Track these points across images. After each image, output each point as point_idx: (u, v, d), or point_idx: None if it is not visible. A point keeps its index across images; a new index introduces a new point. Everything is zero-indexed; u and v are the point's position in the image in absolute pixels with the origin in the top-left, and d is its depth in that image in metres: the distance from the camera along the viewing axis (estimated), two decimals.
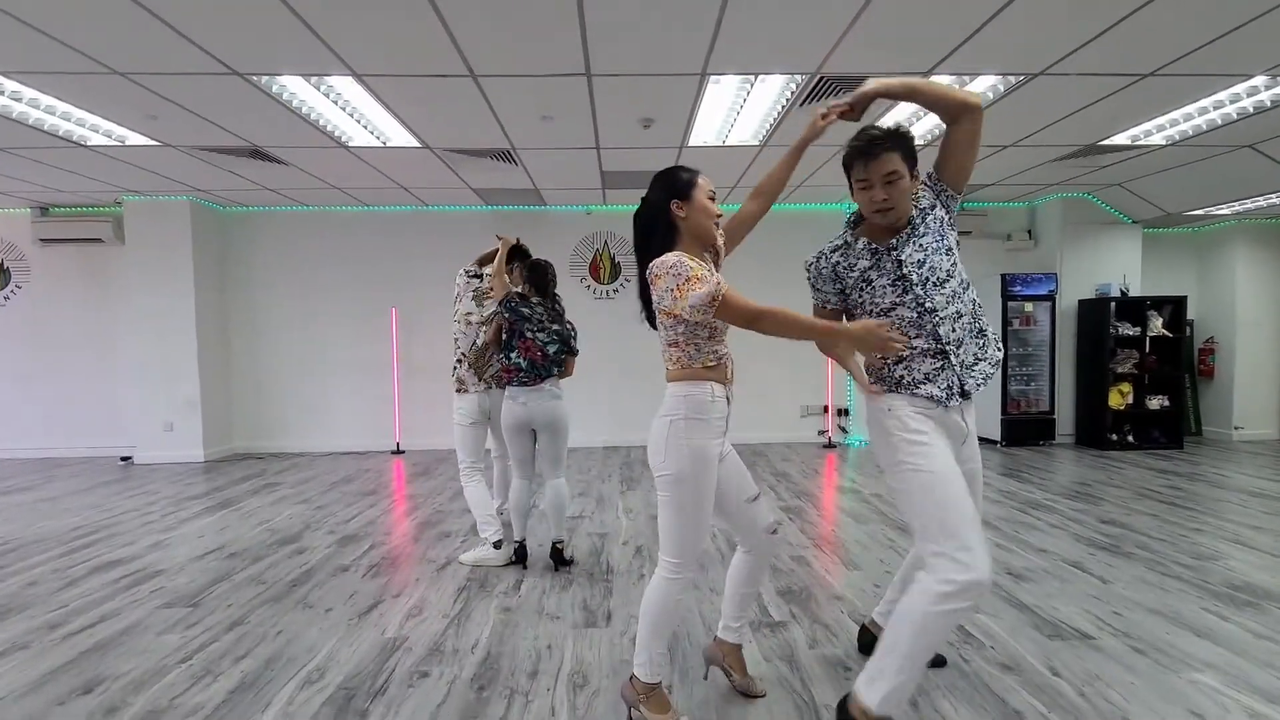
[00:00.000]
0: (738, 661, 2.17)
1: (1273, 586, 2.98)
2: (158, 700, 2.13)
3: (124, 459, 6.51)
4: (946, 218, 1.91)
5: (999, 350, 1.94)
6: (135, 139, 4.63)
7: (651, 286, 1.84)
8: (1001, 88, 3.90)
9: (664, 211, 1.87)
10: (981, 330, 1.91)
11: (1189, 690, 2.13)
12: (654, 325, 2.01)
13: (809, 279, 2.07)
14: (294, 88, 3.76)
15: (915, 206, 1.88)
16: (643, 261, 1.89)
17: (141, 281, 6.39)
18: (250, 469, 6.10)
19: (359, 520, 4.29)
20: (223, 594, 3.04)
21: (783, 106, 4.16)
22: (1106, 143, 5.01)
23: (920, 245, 1.85)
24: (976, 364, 1.88)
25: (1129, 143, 5.01)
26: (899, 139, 1.82)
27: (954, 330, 1.84)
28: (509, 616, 2.75)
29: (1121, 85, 3.86)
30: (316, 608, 2.87)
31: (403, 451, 6.88)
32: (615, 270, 7.13)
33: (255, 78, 3.59)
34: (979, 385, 1.88)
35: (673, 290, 1.76)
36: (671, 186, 1.88)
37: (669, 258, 1.79)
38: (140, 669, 2.34)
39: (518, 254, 3.52)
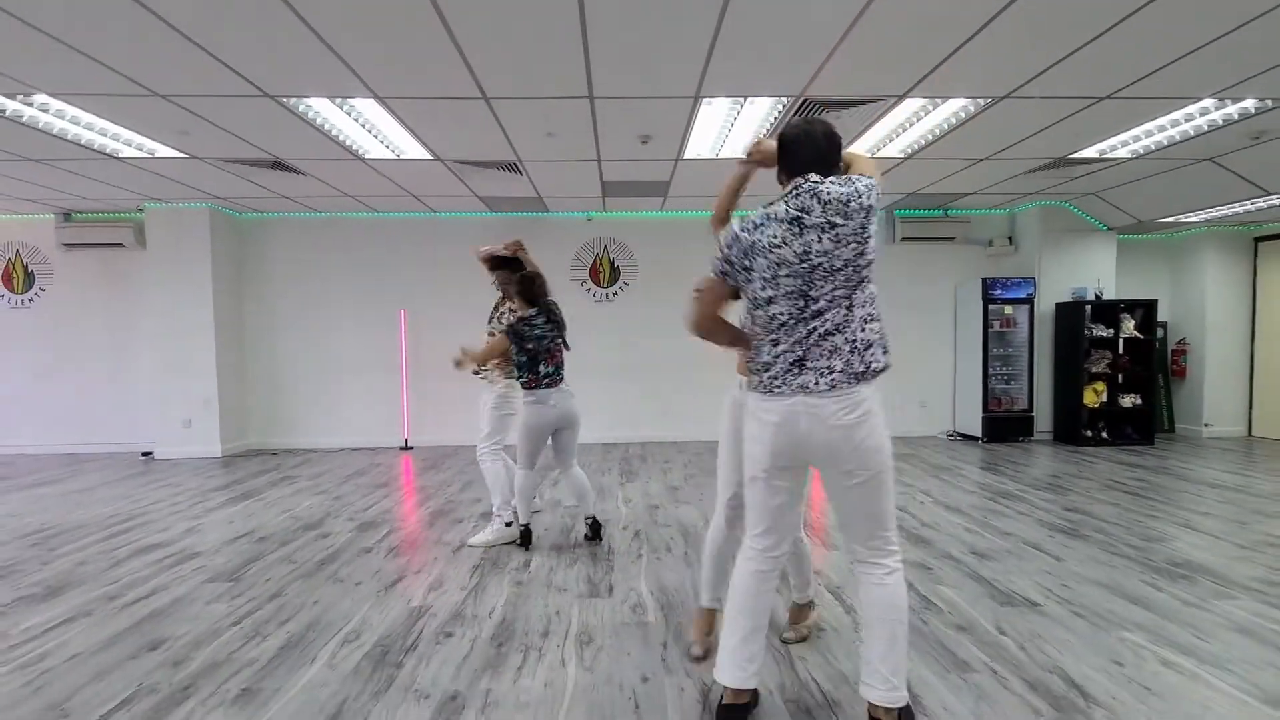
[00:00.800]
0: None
1: (1207, 562, 3.31)
2: (217, 654, 2.44)
3: (145, 454, 6.80)
4: None
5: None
6: (164, 151, 4.93)
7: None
8: (972, 108, 4.23)
9: None
10: None
11: (1116, 645, 2.46)
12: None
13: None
14: (319, 107, 4.07)
15: None
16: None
17: (161, 285, 6.69)
18: (266, 463, 6.40)
19: (376, 509, 4.59)
20: (259, 571, 3.35)
21: (772, 123, 4.48)
22: (1076, 156, 5.35)
23: None
24: None
25: (1097, 155, 5.35)
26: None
27: None
28: (521, 589, 3.06)
29: (1082, 106, 4.19)
30: (346, 582, 3.18)
31: (411, 447, 7.18)
32: (615, 274, 7.45)
33: (284, 99, 3.90)
34: None
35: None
36: None
37: None
38: (196, 631, 2.65)
39: (509, 263, 3.82)
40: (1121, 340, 6.92)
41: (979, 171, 5.78)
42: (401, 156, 5.11)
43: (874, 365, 1.81)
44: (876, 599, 1.88)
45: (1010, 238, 7.52)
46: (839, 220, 1.76)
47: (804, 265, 1.78)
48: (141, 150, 4.89)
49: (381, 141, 4.76)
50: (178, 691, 2.20)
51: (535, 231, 7.29)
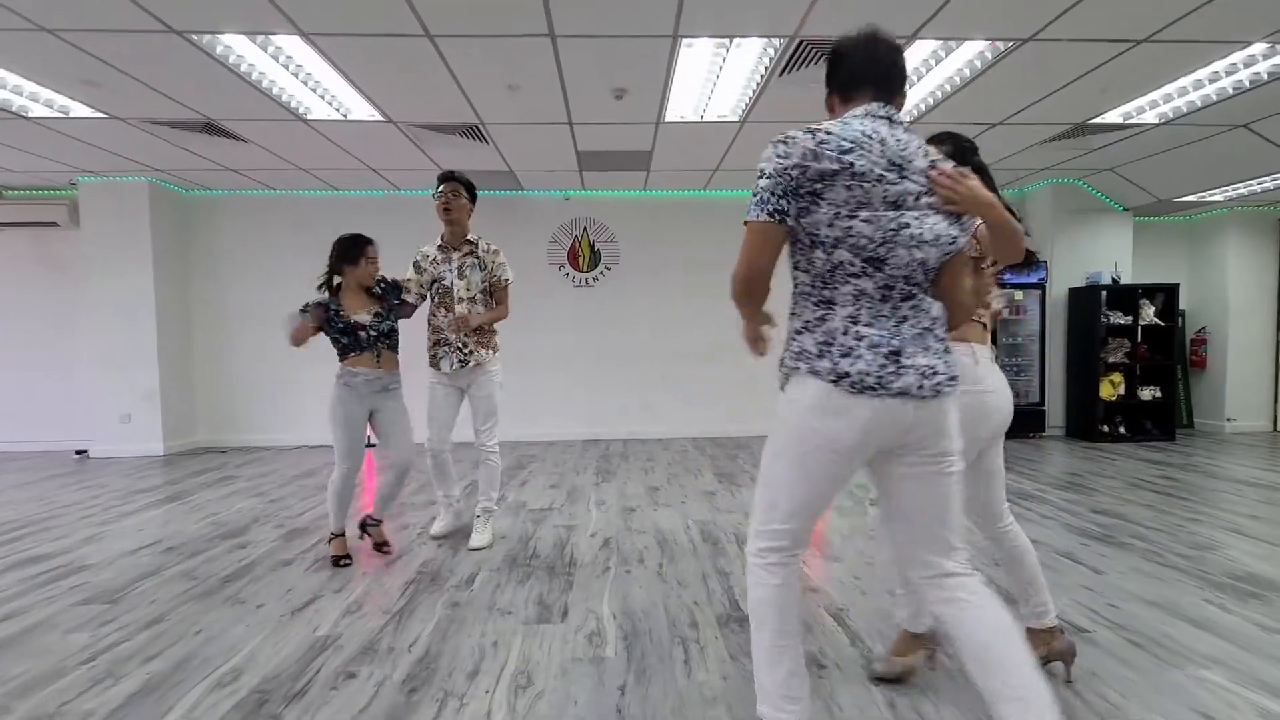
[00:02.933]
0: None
1: (1276, 577, 2.80)
2: (44, 706, 1.89)
3: (79, 453, 6.23)
4: None
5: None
6: (79, 109, 4.37)
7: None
8: (989, 55, 3.72)
9: None
10: None
11: (1192, 686, 1.94)
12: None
13: None
14: (239, 49, 3.52)
15: None
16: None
17: (97, 267, 6.11)
18: (210, 463, 5.84)
19: (312, 514, 4.04)
20: (147, 590, 2.80)
21: (762, 75, 3.95)
22: (1098, 121, 4.84)
23: None
24: None
25: (1121, 121, 4.85)
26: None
27: None
28: (456, 612, 2.52)
29: (1114, 53, 3.68)
30: (247, 604, 2.63)
31: (374, 444, 6.60)
32: (595, 258, 6.90)
33: (195, 36, 3.35)
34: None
35: None
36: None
37: None
38: (34, 672, 2.10)
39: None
40: (1140, 328, 6.43)
41: (990, 140, 5.26)
42: (349, 117, 4.56)
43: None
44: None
45: (1020, 219, 7.00)
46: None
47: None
48: (52, 108, 4.33)
49: (322, 96, 4.21)
50: None
51: (509, 212, 6.74)
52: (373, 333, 3.06)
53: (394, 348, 3.17)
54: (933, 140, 1.80)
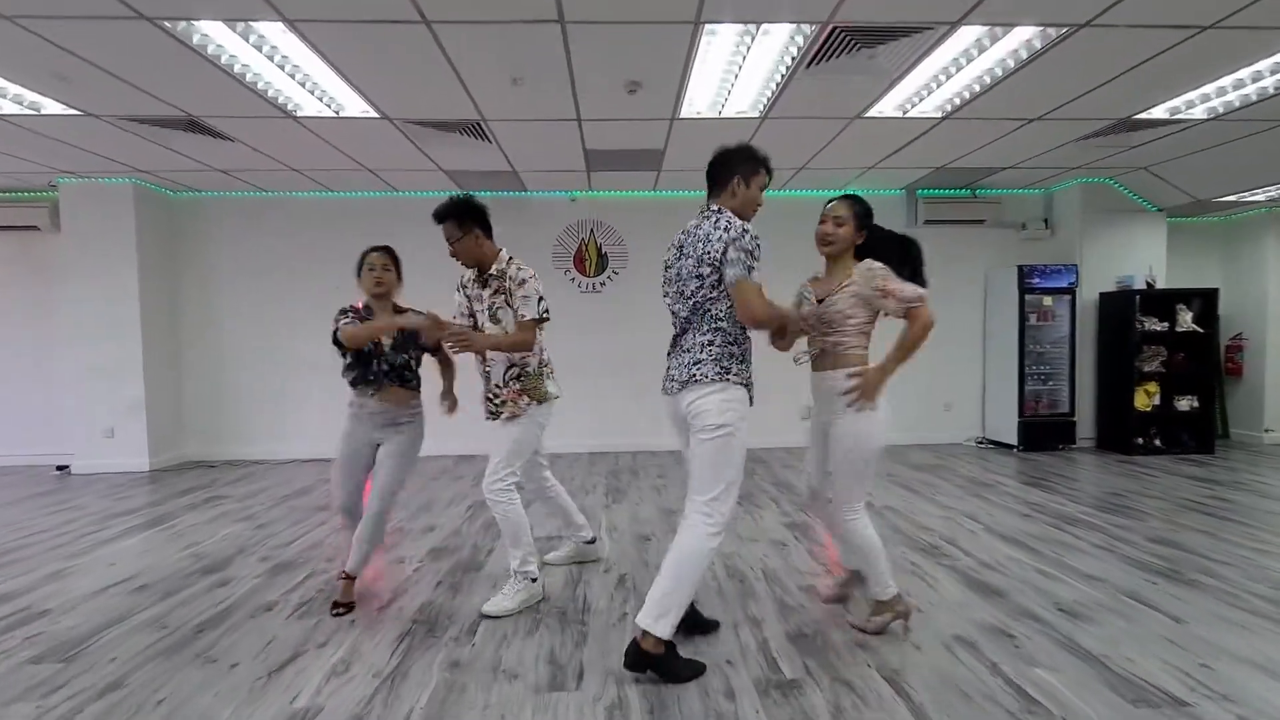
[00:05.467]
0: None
1: None
2: None
3: (60, 468, 5.92)
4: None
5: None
6: (52, 106, 4.06)
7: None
8: (1038, 44, 3.40)
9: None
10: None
11: None
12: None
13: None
14: (218, 37, 3.21)
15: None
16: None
17: (80, 273, 5.80)
18: (198, 480, 5.53)
19: (302, 542, 3.73)
20: (110, 643, 2.49)
21: (787, 67, 3.64)
22: (1142, 117, 4.52)
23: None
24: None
25: (1167, 117, 4.53)
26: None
27: None
28: (455, 675, 2.21)
29: (1176, 40, 3.36)
30: (219, 662, 2.32)
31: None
32: (602, 262, 6.59)
33: (168, 23, 3.04)
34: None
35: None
36: None
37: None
38: None
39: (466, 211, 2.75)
40: (1177, 335, 6.10)
41: (1024, 137, 4.94)
42: (341, 114, 4.25)
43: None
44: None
45: (1046, 220, 6.70)
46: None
47: None
48: (22, 105, 4.02)
49: (313, 92, 3.90)
50: None
51: (513, 214, 6.42)
52: (384, 365, 2.73)
53: (407, 383, 2.80)
54: (840, 200, 2.49)
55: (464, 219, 2.68)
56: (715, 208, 2.26)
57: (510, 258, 2.76)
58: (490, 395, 2.78)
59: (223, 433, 6.41)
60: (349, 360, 2.74)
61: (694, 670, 2.20)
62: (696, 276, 2.21)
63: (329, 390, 6.39)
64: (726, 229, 2.14)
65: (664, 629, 2.10)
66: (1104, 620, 2.57)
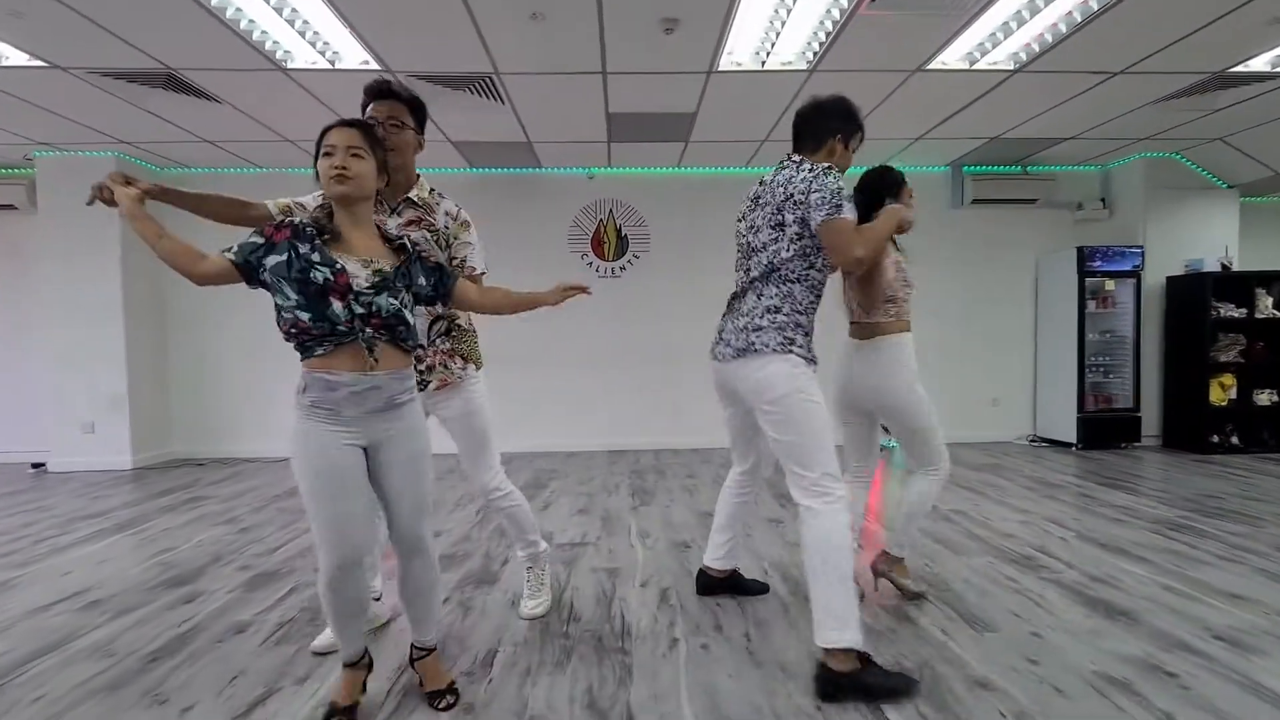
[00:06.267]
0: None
1: None
2: None
3: (35, 466, 5.46)
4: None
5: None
6: (14, 55, 3.61)
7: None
8: None
9: None
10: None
11: None
12: None
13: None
14: None
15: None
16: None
17: (58, 255, 5.34)
18: (182, 478, 5.06)
19: (289, 549, 3.24)
20: (41, 675, 2.00)
21: (846, 3, 3.14)
22: (1240, 70, 4.00)
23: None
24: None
25: (1268, 69, 4.00)
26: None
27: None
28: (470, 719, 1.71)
29: None
30: (170, 704, 1.83)
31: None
32: (622, 245, 6.10)
33: None
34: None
35: None
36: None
37: None
38: None
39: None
40: (1257, 322, 5.55)
41: (1097, 98, 4.41)
42: (337, 65, 3.77)
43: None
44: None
45: (1103, 200, 6.17)
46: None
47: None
48: None
49: (304, 36, 3.44)
50: None
51: (525, 192, 5.96)
52: (357, 308, 1.56)
53: (402, 343, 1.66)
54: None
55: (417, 113, 2.02)
56: (798, 158, 2.02)
57: (433, 189, 2.09)
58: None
59: (212, 428, 5.94)
60: (285, 306, 1.57)
61: (905, 682, 1.83)
62: (773, 226, 1.97)
63: None
64: (811, 170, 1.91)
65: (851, 638, 1.78)
66: (1274, 650, 2.05)
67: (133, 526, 3.70)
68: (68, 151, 5.25)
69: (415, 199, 2.04)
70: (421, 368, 2.08)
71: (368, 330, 1.58)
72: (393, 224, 2.01)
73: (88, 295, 5.35)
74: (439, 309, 2.06)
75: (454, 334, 2.14)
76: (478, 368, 2.21)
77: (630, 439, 6.09)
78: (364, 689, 1.77)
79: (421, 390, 2.03)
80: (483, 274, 2.11)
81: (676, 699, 1.83)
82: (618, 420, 6.05)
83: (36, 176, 5.35)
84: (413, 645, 1.85)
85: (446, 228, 2.06)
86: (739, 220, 2.19)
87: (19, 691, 1.91)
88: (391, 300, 1.60)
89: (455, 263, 2.06)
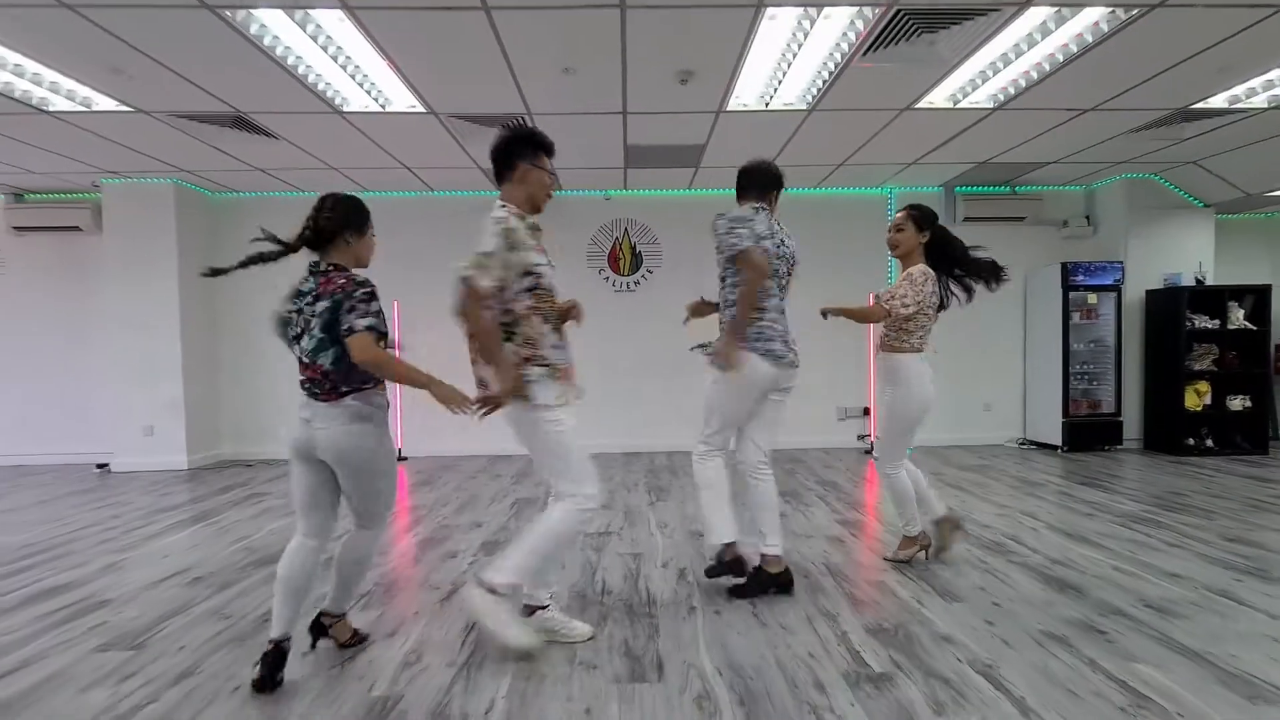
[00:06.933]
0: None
1: None
2: None
3: (100, 466, 5.95)
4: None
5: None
6: (103, 102, 4.09)
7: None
8: (1105, 28, 3.31)
9: None
10: None
11: None
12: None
13: None
14: (275, 27, 3.21)
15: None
16: None
17: (122, 273, 5.85)
18: (236, 477, 5.53)
19: None
20: (175, 633, 2.45)
21: (843, 54, 3.58)
22: (1200, 106, 4.41)
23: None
24: None
25: (1226, 106, 4.41)
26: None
27: None
28: (532, 667, 2.15)
29: (1253, 20, 3.25)
30: (289, 652, 2.27)
31: (405, 458, 6.29)
32: (636, 261, 6.55)
33: (228, 12, 3.04)
34: None
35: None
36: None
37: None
38: None
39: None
40: (1229, 333, 5.94)
41: (1074, 130, 4.84)
42: (388, 108, 4.25)
43: None
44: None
45: (1088, 218, 6.57)
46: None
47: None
48: (75, 101, 4.05)
49: (361, 84, 3.90)
50: None
51: (547, 212, 6.35)
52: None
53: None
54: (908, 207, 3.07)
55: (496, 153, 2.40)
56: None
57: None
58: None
59: (257, 432, 6.41)
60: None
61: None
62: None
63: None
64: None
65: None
66: (1197, 617, 2.46)
67: (207, 518, 4.16)
68: (132, 179, 5.75)
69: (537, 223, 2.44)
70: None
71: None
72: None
73: (147, 310, 5.85)
74: None
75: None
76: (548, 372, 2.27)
77: (645, 441, 6.52)
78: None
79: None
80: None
81: (696, 650, 2.26)
82: (633, 423, 6.49)
83: (103, 201, 5.85)
84: (324, 614, 2.26)
85: None
86: (769, 239, 2.69)
87: (162, 645, 2.36)
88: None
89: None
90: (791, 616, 2.52)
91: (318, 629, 2.27)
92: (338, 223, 2.15)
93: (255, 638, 2.38)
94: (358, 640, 2.32)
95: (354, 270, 2.16)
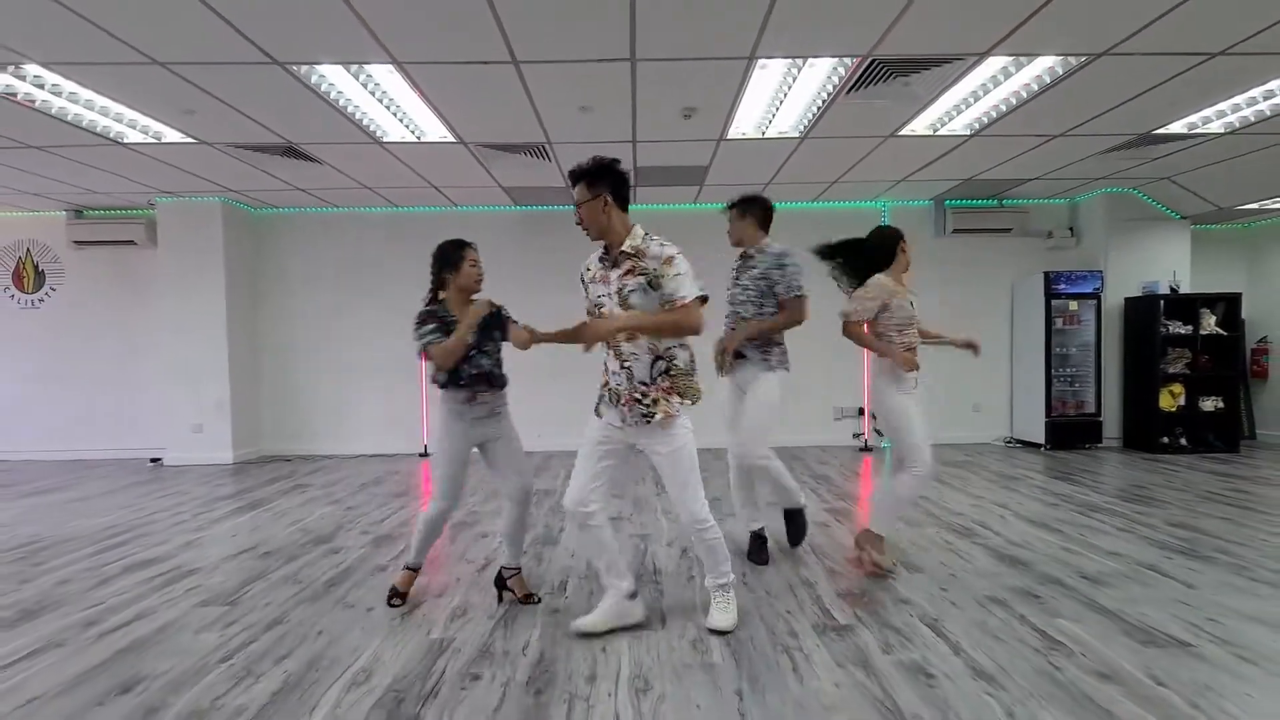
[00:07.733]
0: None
1: None
2: (199, 701, 2.02)
3: (154, 460, 6.49)
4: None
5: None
6: (172, 135, 4.61)
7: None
8: (1060, 70, 3.75)
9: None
10: None
11: None
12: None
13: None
14: (333, 78, 3.70)
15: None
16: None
17: (172, 283, 6.39)
18: (278, 471, 6.04)
19: (392, 521, 4.19)
20: (259, 593, 2.94)
21: (828, 94, 4.03)
22: (1161, 132, 4.82)
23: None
24: None
25: (1185, 131, 4.82)
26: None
27: None
28: (557, 619, 2.62)
29: (1188, 66, 3.68)
30: (357, 607, 2.76)
31: (430, 455, 6.78)
32: None
33: (295, 67, 3.54)
34: None
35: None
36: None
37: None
38: (179, 668, 2.24)
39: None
40: (1201, 338, 6.32)
41: (1048, 152, 5.26)
42: (422, 139, 4.74)
43: None
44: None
45: (1071, 229, 6.97)
46: None
47: None
48: (147, 134, 4.58)
49: (401, 120, 4.40)
50: None
51: (560, 226, 6.86)
52: (472, 370, 2.64)
53: (496, 384, 2.74)
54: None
55: (595, 180, 2.35)
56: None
57: (646, 233, 2.38)
58: (638, 396, 2.37)
59: (295, 430, 6.94)
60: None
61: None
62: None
63: (388, 391, 6.95)
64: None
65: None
66: (1122, 586, 2.89)
67: (262, 505, 4.66)
68: (183, 197, 6.29)
69: (628, 249, 2.34)
70: (648, 403, 2.36)
71: (476, 383, 2.73)
72: (614, 275, 2.38)
73: (196, 318, 6.38)
74: (663, 348, 2.39)
75: (672, 373, 2.39)
76: (694, 402, 2.43)
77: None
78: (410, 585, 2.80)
79: (646, 422, 2.38)
80: (695, 298, 2.32)
81: (694, 609, 2.72)
82: None
83: (157, 217, 6.39)
84: (505, 569, 2.81)
85: (652, 266, 2.32)
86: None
87: (251, 602, 2.85)
88: (485, 357, 2.72)
89: (666, 296, 2.32)
90: (776, 585, 2.97)
91: (500, 583, 2.81)
92: (435, 270, 2.79)
93: (326, 596, 2.87)
94: (532, 600, 2.80)
95: (455, 296, 2.78)
